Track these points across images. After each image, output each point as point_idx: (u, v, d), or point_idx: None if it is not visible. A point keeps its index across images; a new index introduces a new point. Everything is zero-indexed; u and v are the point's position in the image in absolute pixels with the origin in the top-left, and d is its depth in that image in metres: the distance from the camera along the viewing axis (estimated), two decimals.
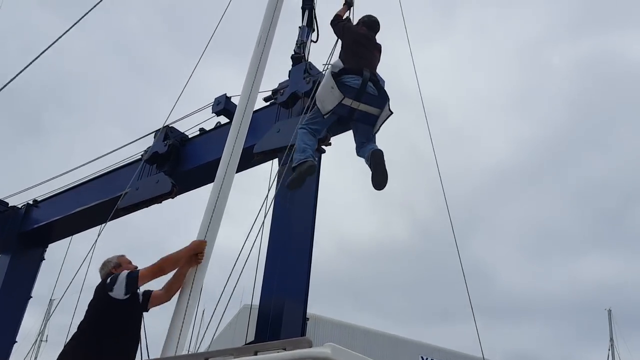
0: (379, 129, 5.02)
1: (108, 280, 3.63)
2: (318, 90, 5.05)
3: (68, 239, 9.30)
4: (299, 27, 7.40)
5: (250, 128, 4.80)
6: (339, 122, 5.44)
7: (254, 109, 4.93)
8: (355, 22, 5.79)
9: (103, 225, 6.88)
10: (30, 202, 9.55)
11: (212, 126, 7.79)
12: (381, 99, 4.99)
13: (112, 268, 3.79)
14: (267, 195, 5.76)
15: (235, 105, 6.44)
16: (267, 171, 6.42)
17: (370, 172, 4.79)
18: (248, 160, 5.88)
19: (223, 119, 7.58)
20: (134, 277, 3.60)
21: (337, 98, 4.79)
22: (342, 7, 5.87)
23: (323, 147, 6.30)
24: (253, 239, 4.94)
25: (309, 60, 6.97)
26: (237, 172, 4.46)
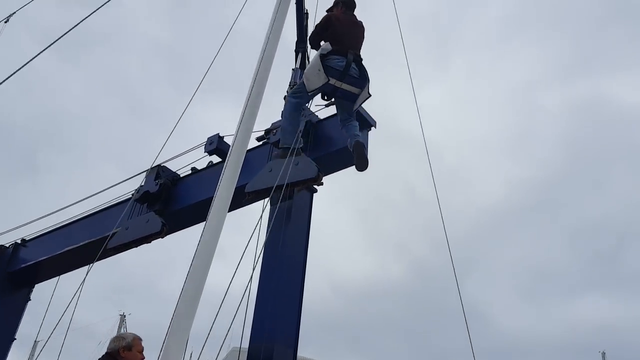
0: (358, 108, 5.62)
1: None
2: (306, 68, 5.60)
3: (55, 278, 9.14)
4: (292, 69, 7.51)
5: (242, 167, 4.81)
6: (322, 95, 6.00)
7: (247, 148, 4.95)
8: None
9: (90, 266, 6.76)
10: (19, 241, 9.43)
11: (204, 165, 7.80)
12: (362, 80, 5.55)
13: (122, 348, 3.76)
14: (252, 234, 5.71)
15: (228, 145, 6.47)
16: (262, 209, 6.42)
17: (354, 156, 5.55)
18: (240, 199, 5.86)
19: (215, 159, 7.59)
20: None
21: (322, 80, 5.40)
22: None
23: (315, 186, 6.29)
24: (242, 279, 4.87)
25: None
26: (228, 211, 4.43)
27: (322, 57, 5.42)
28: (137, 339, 3.81)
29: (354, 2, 6.10)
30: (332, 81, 5.42)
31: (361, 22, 5.98)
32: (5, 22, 8.94)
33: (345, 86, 5.47)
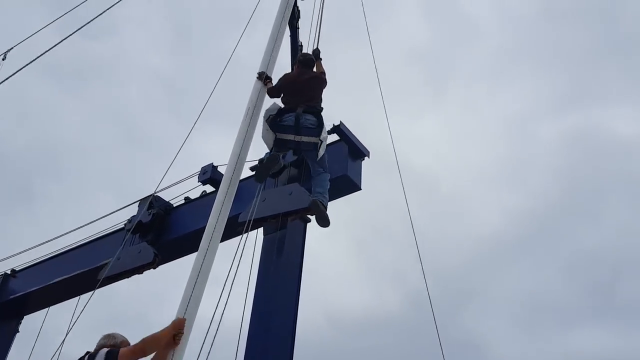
0: (320, 155, 5.81)
1: (95, 356, 3.61)
2: (262, 131, 5.91)
3: (45, 309, 9.01)
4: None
5: (235, 197, 4.81)
6: (293, 152, 6.47)
7: (240, 178, 4.95)
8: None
9: (79, 297, 6.68)
10: (8, 271, 9.30)
11: (198, 195, 7.78)
12: (318, 128, 5.77)
13: (112, 346, 3.72)
14: (233, 265, 5.69)
15: (222, 175, 6.46)
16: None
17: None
18: (233, 229, 5.83)
19: (210, 188, 7.58)
20: (114, 356, 3.55)
21: (271, 137, 5.77)
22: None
23: (308, 216, 6.27)
24: (236, 308, 4.82)
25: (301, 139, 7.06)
26: (221, 241, 4.42)
27: (274, 118, 5.79)
28: (125, 342, 3.76)
29: (310, 59, 6.47)
30: (291, 136, 5.74)
31: (320, 75, 6.32)
32: (3, 59, 8.99)
33: (305, 138, 5.74)
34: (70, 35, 7.55)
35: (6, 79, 6.87)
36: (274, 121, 5.77)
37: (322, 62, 6.62)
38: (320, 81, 6.23)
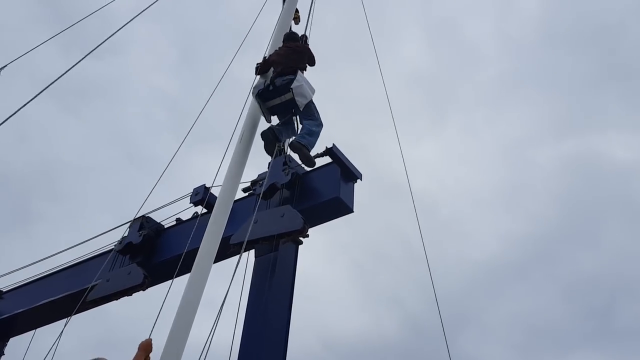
0: (300, 104, 6.34)
1: None
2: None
3: (32, 332, 8.85)
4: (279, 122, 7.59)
5: (228, 218, 4.80)
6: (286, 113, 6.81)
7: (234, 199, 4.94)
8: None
9: (69, 318, 6.59)
10: None
11: (189, 216, 7.74)
12: (287, 84, 6.34)
13: None
14: (226, 287, 5.66)
15: (214, 196, 6.45)
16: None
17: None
18: (225, 250, 5.80)
19: (201, 209, 7.53)
20: None
21: (263, 109, 6.51)
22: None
23: (300, 238, 6.26)
24: (227, 331, 4.78)
25: (288, 154, 7.10)
26: (213, 262, 4.40)
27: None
28: None
29: (293, 34, 7.51)
30: (277, 100, 6.40)
31: (298, 45, 7.08)
32: None
33: (285, 96, 6.35)
34: (83, 59, 7.58)
35: (19, 109, 6.88)
36: (261, 94, 6.42)
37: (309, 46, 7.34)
38: (302, 49, 6.95)
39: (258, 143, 6.41)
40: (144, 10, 8.51)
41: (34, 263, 8.68)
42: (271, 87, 6.39)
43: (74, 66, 7.44)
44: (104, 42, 7.84)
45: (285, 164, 6.85)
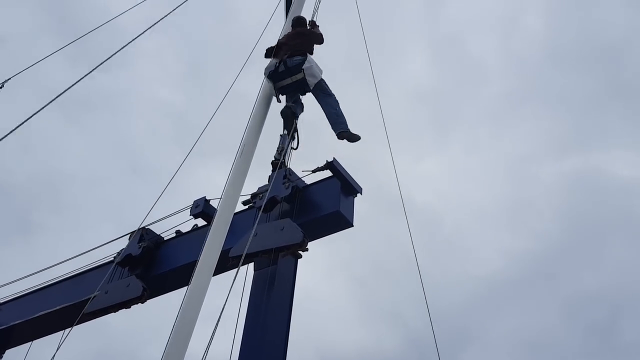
0: (311, 83, 6.83)
1: None
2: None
3: (29, 344, 8.78)
4: (280, 134, 7.61)
5: (227, 231, 4.79)
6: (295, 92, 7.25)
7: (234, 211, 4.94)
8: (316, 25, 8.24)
9: (69, 330, 6.55)
10: None
11: (189, 228, 7.73)
12: (298, 64, 6.82)
13: None
14: (224, 301, 5.64)
15: (214, 208, 6.45)
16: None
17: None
18: (224, 263, 5.79)
19: (202, 222, 7.53)
20: None
21: (275, 89, 6.98)
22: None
23: (300, 252, 6.25)
24: (220, 345, 4.76)
25: (288, 167, 7.12)
26: (213, 275, 4.39)
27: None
28: None
29: (301, 18, 8.06)
30: (288, 80, 6.84)
31: (305, 29, 7.63)
32: (1, 87, 8.93)
33: (297, 76, 6.79)
34: (92, 71, 7.63)
35: (27, 119, 6.92)
36: (272, 75, 6.84)
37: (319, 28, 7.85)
38: (308, 32, 7.45)
39: (258, 156, 6.43)
40: (155, 24, 8.56)
41: (32, 274, 8.65)
42: (282, 69, 6.81)
43: (82, 78, 7.45)
44: (114, 54, 7.86)
45: (285, 177, 6.86)
